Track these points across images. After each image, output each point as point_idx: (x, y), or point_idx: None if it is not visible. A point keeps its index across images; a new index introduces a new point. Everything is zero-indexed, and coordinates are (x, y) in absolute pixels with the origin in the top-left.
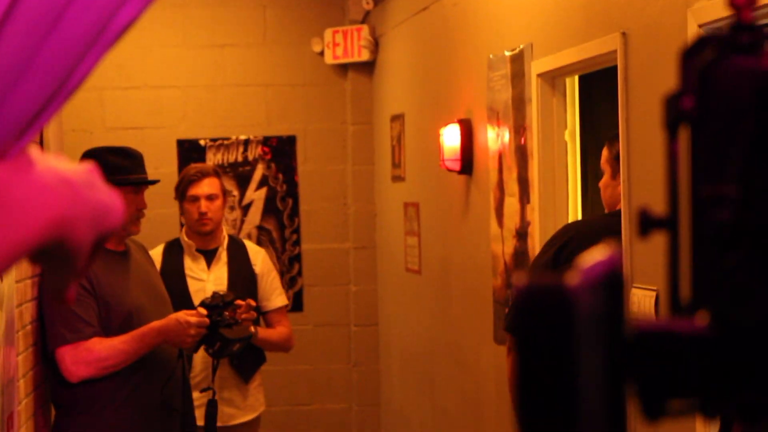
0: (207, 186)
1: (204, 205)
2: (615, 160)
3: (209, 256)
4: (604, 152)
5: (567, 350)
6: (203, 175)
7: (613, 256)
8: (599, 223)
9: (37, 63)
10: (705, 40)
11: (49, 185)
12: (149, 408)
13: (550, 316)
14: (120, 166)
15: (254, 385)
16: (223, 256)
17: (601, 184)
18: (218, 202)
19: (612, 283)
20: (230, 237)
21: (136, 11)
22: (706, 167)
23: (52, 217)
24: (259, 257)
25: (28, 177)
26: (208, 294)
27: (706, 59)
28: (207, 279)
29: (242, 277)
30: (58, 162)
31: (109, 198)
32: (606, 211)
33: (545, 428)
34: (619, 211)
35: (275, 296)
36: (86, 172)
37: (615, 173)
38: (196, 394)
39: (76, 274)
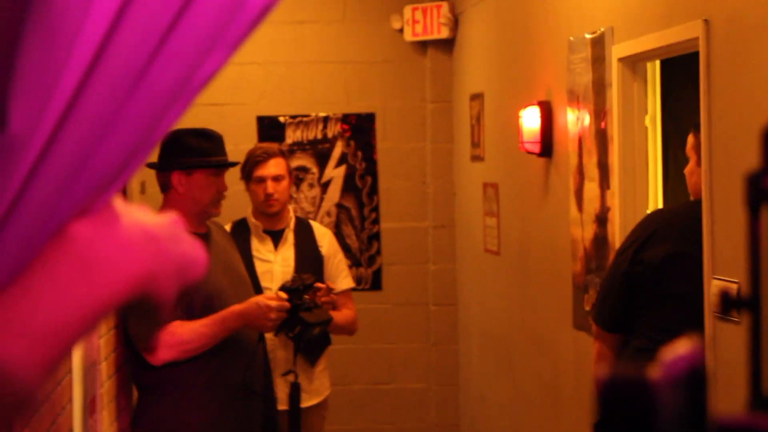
0: (273, 167)
1: (270, 186)
2: (699, 144)
3: (276, 237)
4: (690, 139)
5: None
6: (269, 155)
7: (695, 350)
8: (683, 211)
9: (124, 117)
10: None
11: (134, 241)
12: (231, 390)
13: (632, 410)
14: (200, 148)
15: (320, 369)
16: (290, 237)
17: (687, 171)
18: (285, 183)
19: (694, 379)
20: (297, 218)
21: (219, 63)
22: None
23: (137, 274)
24: (326, 239)
25: (113, 233)
26: (275, 275)
27: None
28: (274, 260)
29: (309, 258)
30: (142, 215)
31: (192, 248)
32: (692, 198)
33: None
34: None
35: (341, 278)
36: (170, 224)
37: (701, 160)
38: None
39: (161, 323)
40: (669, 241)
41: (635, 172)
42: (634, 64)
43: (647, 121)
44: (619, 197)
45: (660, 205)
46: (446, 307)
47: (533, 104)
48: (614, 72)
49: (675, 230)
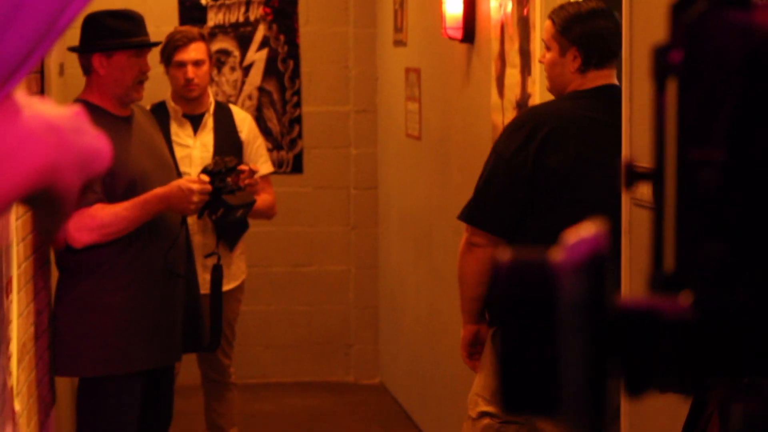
0: (193, 51)
1: (191, 70)
2: (561, 34)
3: (195, 122)
4: (548, 27)
5: (550, 329)
6: (189, 39)
7: (597, 235)
8: (569, 112)
9: (25, 7)
10: None
11: (36, 133)
12: (152, 272)
13: (533, 295)
14: (120, 29)
15: (237, 253)
16: (209, 122)
17: (547, 61)
18: (205, 68)
19: (595, 264)
20: (217, 102)
21: None
22: (694, 127)
23: (40, 165)
24: (246, 123)
25: (13, 125)
26: (194, 160)
27: (697, 12)
28: (193, 145)
29: (228, 143)
30: (44, 107)
31: (96, 140)
32: (552, 91)
33: (527, 406)
34: (585, 91)
35: (261, 163)
36: (73, 116)
37: (564, 50)
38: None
39: (65, 216)
40: (569, 146)
41: None
42: None
43: None
44: (540, 84)
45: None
46: (367, 190)
47: None
48: None
49: (570, 133)
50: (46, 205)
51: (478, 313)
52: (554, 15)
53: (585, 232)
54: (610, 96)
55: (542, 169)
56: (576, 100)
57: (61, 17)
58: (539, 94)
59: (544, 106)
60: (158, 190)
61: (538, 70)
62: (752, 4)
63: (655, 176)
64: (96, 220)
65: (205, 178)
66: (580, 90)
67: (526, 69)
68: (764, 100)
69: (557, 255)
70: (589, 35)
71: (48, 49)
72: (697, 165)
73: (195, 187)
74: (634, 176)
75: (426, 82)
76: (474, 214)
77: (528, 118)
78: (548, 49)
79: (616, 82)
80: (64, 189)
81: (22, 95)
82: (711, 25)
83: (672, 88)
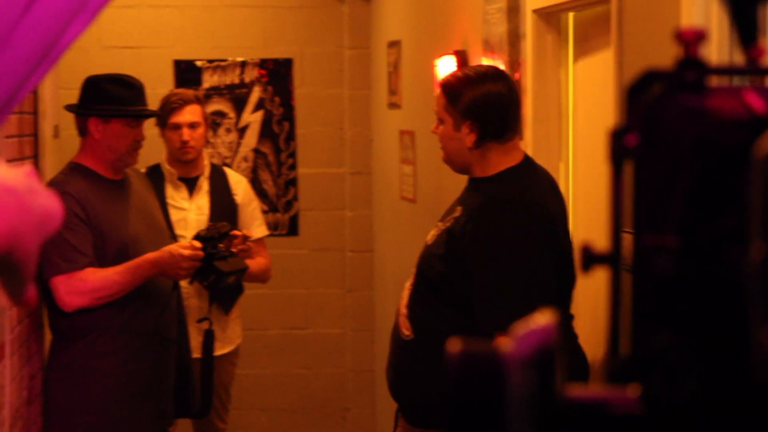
0: (189, 113)
1: (186, 133)
2: (455, 106)
3: (191, 185)
4: (440, 98)
5: (499, 420)
6: (185, 102)
7: (547, 326)
8: (538, 191)
9: (16, 38)
10: (651, 75)
11: None
12: (144, 337)
13: (483, 387)
14: (119, 96)
15: (233, 317)
16: (204, 185)
17: (441, 133)
18: (200, 130)
19: (544, 356)
20: (212, 165)
21: (81, 30)
22: (648, 211)
23: (2, 227)
24: (241, 187)
25: None
26: (189, 223)
27: (652, 96)
28: (188, 208)
29: (223, 206)
30: None
31: (49, 201)
32: (452, 165)
33: None
34: (518, 168)
35: (255, 226)
36: (26, 176)
37: (459, 124)
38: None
39: (27, 279)
40: (558, 225)
41: (548, 123)
42: (548, 15)
43: (561, 74)
44: (533, 148)
45: (570, 159)
46: (362, 253)
47: (449, 53)
48: (528, 23)
49: (553, 213)
50: (8, 270)
51: None
52: (443, 83)
53: (535, 323)
54: (537, 168)
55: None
56: (527, 174)
57: (21, 90)
58: (532, 154)
59: (523, 193)
60: (149, 255)
61: (530, 134)
62: (706, 89)
63: (612, 260)
64: (87, 284)
65: (197, 244)
66: (511, 167)
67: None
68: (716, 186)
69: (507, 347)
70: (482, 107)
71: (4, 119)
72: (651, 251)
73: (186, 253)
74: (591, 259)
75: (420, 145)
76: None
77: (517, 211)
78: (441, 121)
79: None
80: (24, 252)
81: None
82: (666, 109)
83: (628, 171)
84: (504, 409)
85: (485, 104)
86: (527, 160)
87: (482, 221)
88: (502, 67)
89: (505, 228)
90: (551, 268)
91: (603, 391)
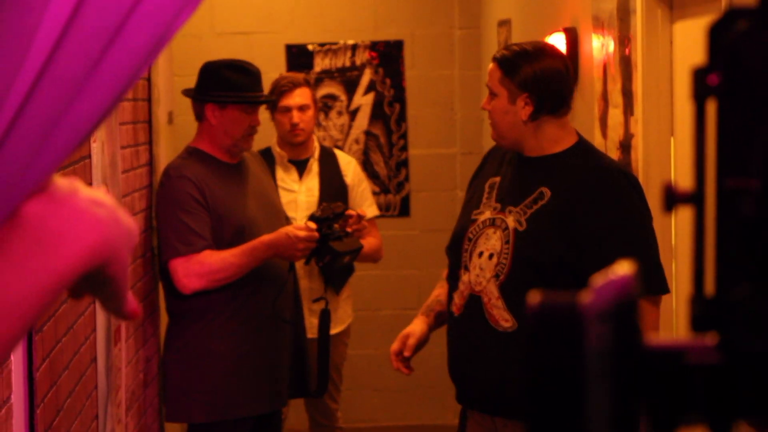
0: (299, 96)
1: (296, 115)
2: (512, 79)
3: (301, 167)
4: (494, 71)
5: (578, 373)
6: (295, 85)
7: (626, 277)
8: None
9: (98, 76)
10: (735, 12)
11: (86, 210)
12: (260, 319)
13: (561, 339)
14: (236, 82)
15: (343, 297)
16: (314, 167)
17: (493, 107)
18: (310, 113)
19: (624, 307)
20: (322, 147)
21: (188, 16)
22: (732, 154)
23: (94, 242)
24: (350, 168)
25: (63, 206)
26: (300, 205)
27: (736, 33)
28: (299, 190)
29: (334, 187)
30: (83, 187)
31: (129, 217)
32: (501, 141)
33: None
34: (585, 147)
35: (366, 206)
36: (107, 193)
37: (515, 97)
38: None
39: (123, 294)
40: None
41: (659, 99)
42: None
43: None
44: (643, 124)
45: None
46: None
47: (559, 30)
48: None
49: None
50: (103, 285)
51: None
52: (498, 57)
53: (614, 274)
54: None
55: None
56: (602, 153)
57: (129, 85)
58: (641, 133)
59: (622, 166)
60: (265, 237)
61: (640, 110)
62: None
63: (696, 201)
64: (204, 267)
65: (312, 225)
66: (577, 143)
67: (628, 109)
68: None
69: (586, 298)
70: (539, 81)
71: (109, 115)
72: (734, 194)
73: (302, 234)
74: (674, 199)
75: None
76: (661, 281)
77: (632, 177)
78: (495, 94)
79: (577, 137)
80: (117, 266)
81: (59, 178)
82: (749, 47)
83: (712, 111)
84: (583, 359)
85: (543, 78)
86: (583, 138)
87: (604, 194)
88: (612, 42)
89: (631, 197)
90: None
91: (682, 341)
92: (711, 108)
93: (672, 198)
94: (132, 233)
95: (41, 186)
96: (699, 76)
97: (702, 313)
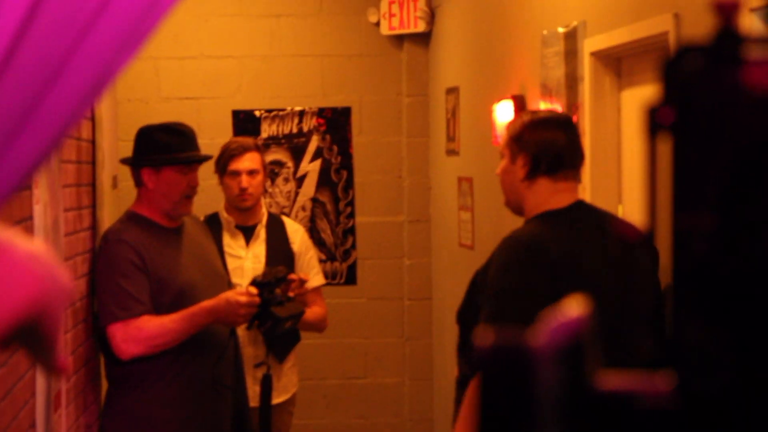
0: (248, 161)
1: (245, 180)
2: (514, 141)
3: (248, 233)
4: (503, 135)
5: (529, 414)
6: (244, 149)
7: (579, 316)
8: (574, 237)
9: (40, 113)
10: (688, 49)
11: (23, 263)
12: (200, 384)
13: (511, 380)
14: (169, 144)
15: (288, 366)
16: (261, 233)
17: (500, 169)
18: (259, 178)
19: (574, 348)
20: (269, 214)
21: (130, 59)
22: (685, 190)
23: (29, 297)
24: (298, 235)
25: (1, 256)
26: (246, 272)
27: (689, 70)
28: (245, 256)
29: (281, 254)
30: (21, 239)
31: (65, 272)
32: (508, 205)
33: None
34: (557, 211)
35: (313, 275)
36: (45, 248)
37: (515, 157)
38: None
39: (54, 348)
40: (575, 270)
41: (606, 166)
42: (606, 58)
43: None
44: (591, 191)
45: (634, 200)
46: (421, 301)
47: (507, 98)
48: (586, 66)
49: (572, 257)
50: (35, 340)
51: None
52: (509, 123)
53: (566, 314)
54: (587, 213)
55: (558, 300)
56: (558, 220)
57: (70, 124)
58: (589, 200)
59: (533, 232)
60: (206, 303)
61: (588, 178)
62: (746, 62)
63: (648, 241)
64: (143, 332)
65: (253, 290)
66: (552, 209)
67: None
68: (757, 162)
69: (537, 338)
70: (537, 142)
71: (54, 153)
72: (688, 232)
73: (243, 299)
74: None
75: (478, 191)
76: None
77: (524, 247)
78: (502, 157)
79: (579, 196)
80: (51, 321)
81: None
82: (703, 84)
83: (664, 148)
84: (534, 402)
85: (541, 139)
86: (574, 206)
87: (490, 262)
88: (559, 109)
89: (501, 265)
90: (515, 308)
91: (635, 383)
92: (663, 146)
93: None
94: (67, 289)
95: None
96: (652, 113)
97: (658, 352)
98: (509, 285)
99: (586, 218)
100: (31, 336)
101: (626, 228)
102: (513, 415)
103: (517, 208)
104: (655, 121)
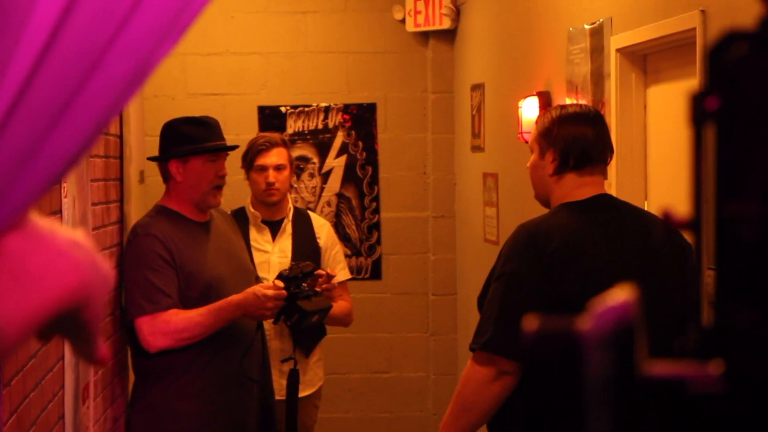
0: (275, 156)
1: (272, 175)
2: (543, 136)
3: (274, 228)
4: (532, 129)
5: (576, 400)
6: (272, 144)
7: (627, 302)
8: (577, 225)
9: (76, 107)
10: (733, 36)
11: (66, 251)
12: (226, 378)
13: (559, 365)
14: (194, 135)
15: (314, 360)
16: (288, 228)
17: (529, 164)
18: (286, 173)
19: (623, 334)
20: (296, 209)
21: (168, 50)
22: (731, 178)
23: (71, 284)
24: (324, 230)
25: (42, 244)
26: (272, 266)
27: (735, 57)
28: (271, 251)
29: (306, 249)
30: (60, 228)
31: (106, 262)
32: (538, 198)
33: None
34: (577, 203)
35: (338, 270)
36: (85, 237)
37: (544, 151)
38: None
39: (96, 337)
40: (580, 262)
41: (632, 162)
42: (632, 54)
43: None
44: (617, 188)
45: (660, 197)
46: (445, 296)
47: (533, 94)
48: (612, 62)
49: (579, 248)
50: (76, 329)
51: None
52: (538, 118)
53: (613, 300)
54: (606, 205)
55: (556, 287)
56: (572, 211)
57: (109, 116)
58: (616, 193)
59: (542, 222)
60: (233, 297)
61: (614, 174)
62: None
63: (694, 227)
64: (170, 326)
65: (280, 284)
66: (572, 201)
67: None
68: None
69: (585, 325)
70: (566, 137)
71: (92, 146)
72: (734, 220)
73: (270, 293)
74: (672, 226)
75: (503, 187)
76: (501, 343)
77: (528, 235)
78: (531, 152)
79: (604, 190)
80: (92, 308)
81: (39, 219)
82: (748, 70)
83: (710, 136)
84: (582, 389)
85: (570, 134)
86: (594, 198)
87: (502, 248)
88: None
89: (510, 252)
90: (520, 295)
91: (684, 369)
92: (708, 134)
93: (669, 224)
94: (108, 278)
95: (18, 220)
96: (697, 100)
97: (703, 341)
98: (510, 269)
99: (604, 210)
100: (72, 324)
101: (666, 217)
102: (560, 402)
103: (545, 201)
104: (701, 109)
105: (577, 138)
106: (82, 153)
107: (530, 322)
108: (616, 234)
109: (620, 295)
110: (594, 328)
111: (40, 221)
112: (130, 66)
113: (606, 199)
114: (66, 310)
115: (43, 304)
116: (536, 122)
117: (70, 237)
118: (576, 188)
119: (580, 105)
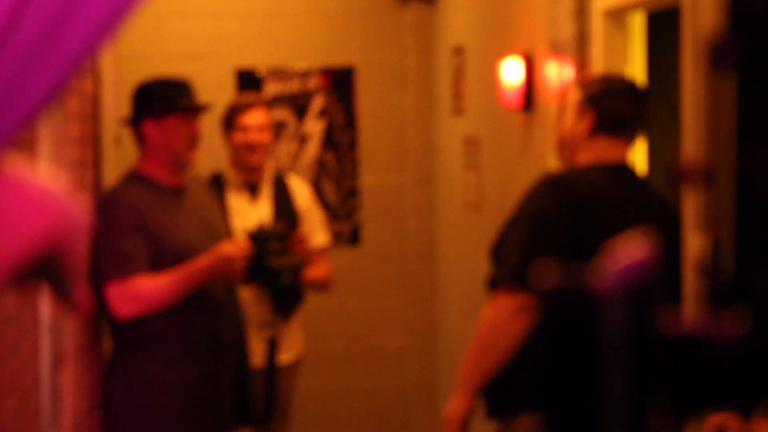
0: (257, 116)
1: (255, 135)
2: (586, 101)
3: (253, 191)
4: (576, 93)
5: (593, 357)
6: (253, 104)
7: (643, 259)
8: (601, 182)
9: (56, 46)
10: None
11: (38, 196)
12: (198, 344)
13: (576, 322)
14: (168, 94)
15: (294, 327)
16: (267, 191)
17: (566, 127)
18: (267, 134)
19: (642, 290)
20: (275, 172)
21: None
22: (755, 121)
23: (44, 229)
24: (304, 194)
25: (15, 189)
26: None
27: (756, 3)
28: (250, 215)
29: (286, 213)
30: (37, 173)
31: (78, 204)
32: (561, 150)
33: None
34: (602, 168)
35: (317, 234)
36: (59, 182)
37: (583, 115)
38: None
39: (75, 282)
40: (600, 214)
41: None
42: (617, 16)
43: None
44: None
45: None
46: (425, 263)
47: (515, 57)
48: (597, 24)
49: (601, 202)
50: (54, 272)
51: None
52: (585, 85)
53: (630, 256)
54: (631, 172)
55: (581, 229)
56: (597, 172)
57: (87, 55)
58: None
59: (567, 174)
60: (200, 261)
61: None
62: None
63: (710, 177)
64: (139, 293)
65: (246, 243)
66: (597, 164)
67: None
68: None
69: (602, 280)
70: (608, 107)
71: (69, 87)
72: (754, 169)
73: (234, 251)
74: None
75: (485, 152)
76: (526, 277)
77: (554, 181)
78: (571, 112)
79: (629, 160)
80: (67, 253)
81: (16, 162)
82: None
83: (730, 82)
84: (599, 344)
85: (613, 105)
86: (619, 165)
87: (526, 193)
88: (569, 68)
89: (534, 195)
90: (543, 235)
91: (702, 325)
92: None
93: (683, 173)
94: (81, 222)
95: None
96: (716, 49)
97: (722, 290)
98: (535, 210)
99: (629, 175)
100: (49, 270)
101: (674, 168)
102: (578, 357)
103: (569, 160)
104: (720, 57)
105: (617, 108)
106: (59, 92)
107: (549, 276)
108: (639, 195)
109: (637, 250)
110: (611, 284)
111: (13, 167)
112: (107, 6)
113: (631, 167)
114: (41, 255)
115: (17, 250)
116: (581, 88)
117: (40, 184)
118: (605, 150)
119: (624, 78)
